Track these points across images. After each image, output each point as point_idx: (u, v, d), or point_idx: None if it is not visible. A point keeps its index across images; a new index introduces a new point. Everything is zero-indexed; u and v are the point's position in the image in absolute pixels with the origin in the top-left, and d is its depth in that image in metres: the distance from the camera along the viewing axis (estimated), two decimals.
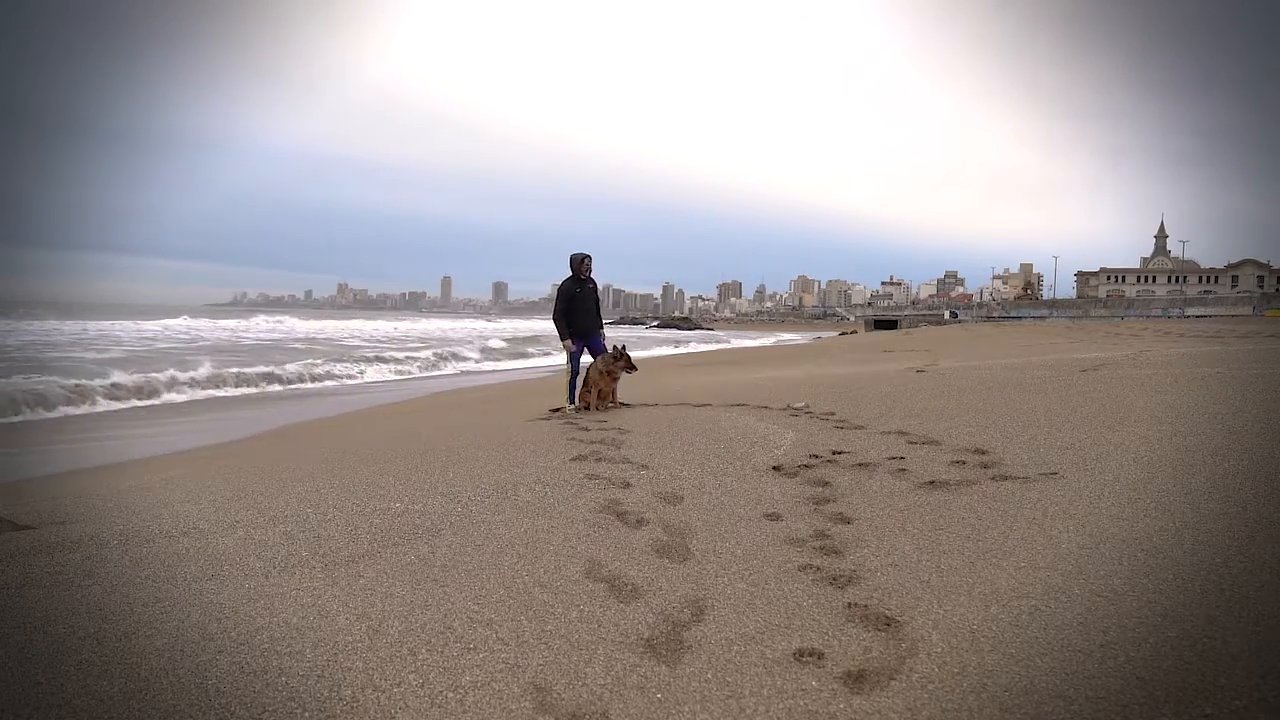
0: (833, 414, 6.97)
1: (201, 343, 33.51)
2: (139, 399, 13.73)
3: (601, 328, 8.46)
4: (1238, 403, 6.30)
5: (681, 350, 34.45)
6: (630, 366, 8.13)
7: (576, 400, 8.10)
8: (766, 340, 49.25)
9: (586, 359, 8.35)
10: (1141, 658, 2.27)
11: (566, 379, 8.32)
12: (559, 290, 8.19)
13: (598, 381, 8.00)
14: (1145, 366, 9.45)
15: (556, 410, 8.11)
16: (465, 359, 25.31)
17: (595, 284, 8.35)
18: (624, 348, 8.18)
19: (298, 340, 38.51)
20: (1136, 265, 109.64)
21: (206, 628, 2.83)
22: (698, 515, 4.00)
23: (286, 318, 76.82)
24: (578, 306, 8.13)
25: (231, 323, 60.03)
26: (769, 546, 3.48)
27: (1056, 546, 3.23)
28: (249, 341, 36.32)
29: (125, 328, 45.43)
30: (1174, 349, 13.69)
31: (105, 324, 48.98)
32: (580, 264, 8.12)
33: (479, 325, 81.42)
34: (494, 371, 22.45)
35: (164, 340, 35.17)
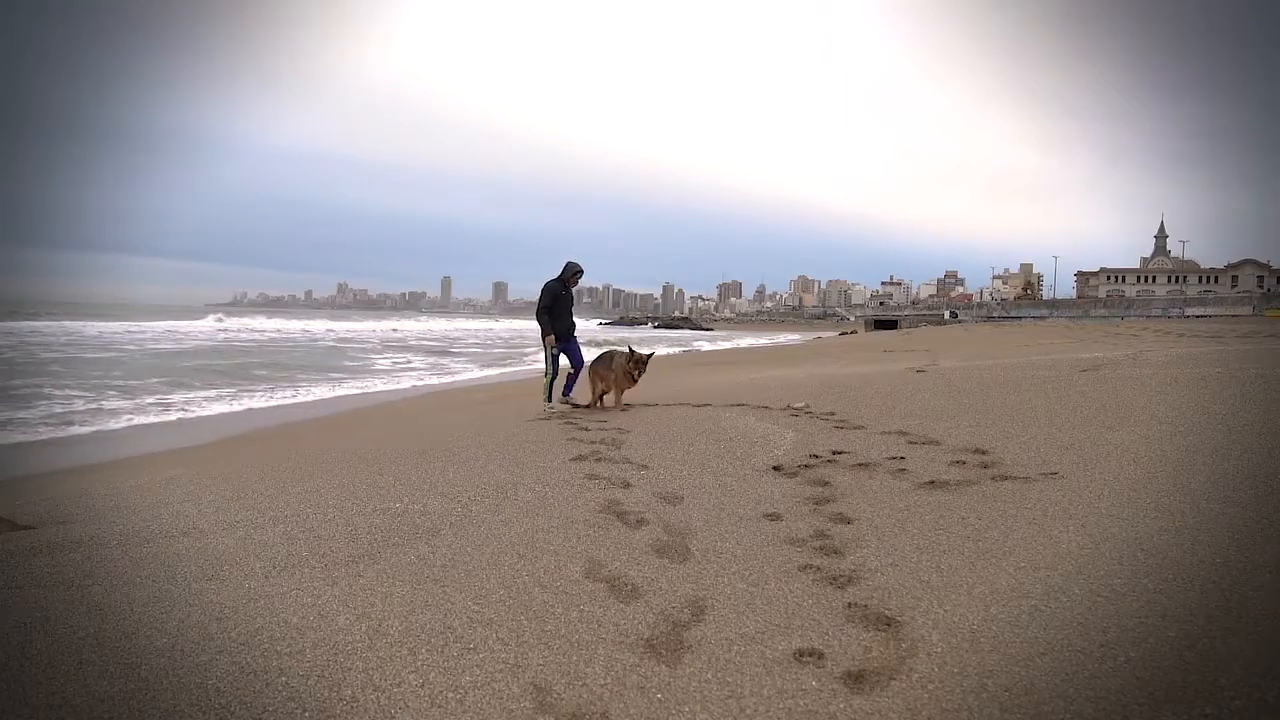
0: (833, 414, 6.98)
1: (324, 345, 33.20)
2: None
3: (571, 331, 8.65)
4: (1238, 403, 6.30)
5: (681, 350, 34.48)
6: (641, 371, 8.04)
7: (582, 396, 8.21)
8: (767, 340, 49.27)
9: (574, 362, 8.49)
10: (1141, 658, 2.27)
11: (545, 379, 8.41)
12: (545, 288, 8.40)
13: (621, 381, 7.93)
14: (1145, 366, 9.45)
15: (569, 403, 8.25)
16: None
17: (572, 293, 8.65)
18: (650, 355, 8.18)
19: (405, 340, 40.47)
20: (1136, 265, 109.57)
21: (206, 628, 2.83)
22: (698, 515, 4.00)
23: (320, 321, 76.58)
24: (560, 307, 8.36)
25: (294, 324, 60.24)
26: (769, 546, 3.48)
27: (1056, 546, 3.23)
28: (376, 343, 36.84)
29: (185, 329, 44.87)
30: (1174, 349, 13.69)
31: (158, 326, 48.23)
32: (573, 275, 8.41)
33: (497, 325, 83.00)
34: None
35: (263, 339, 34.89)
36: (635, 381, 8.01)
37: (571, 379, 8.45)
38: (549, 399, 8.22)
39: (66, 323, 46.02)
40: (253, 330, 48.55)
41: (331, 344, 36.25)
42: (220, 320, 59.36)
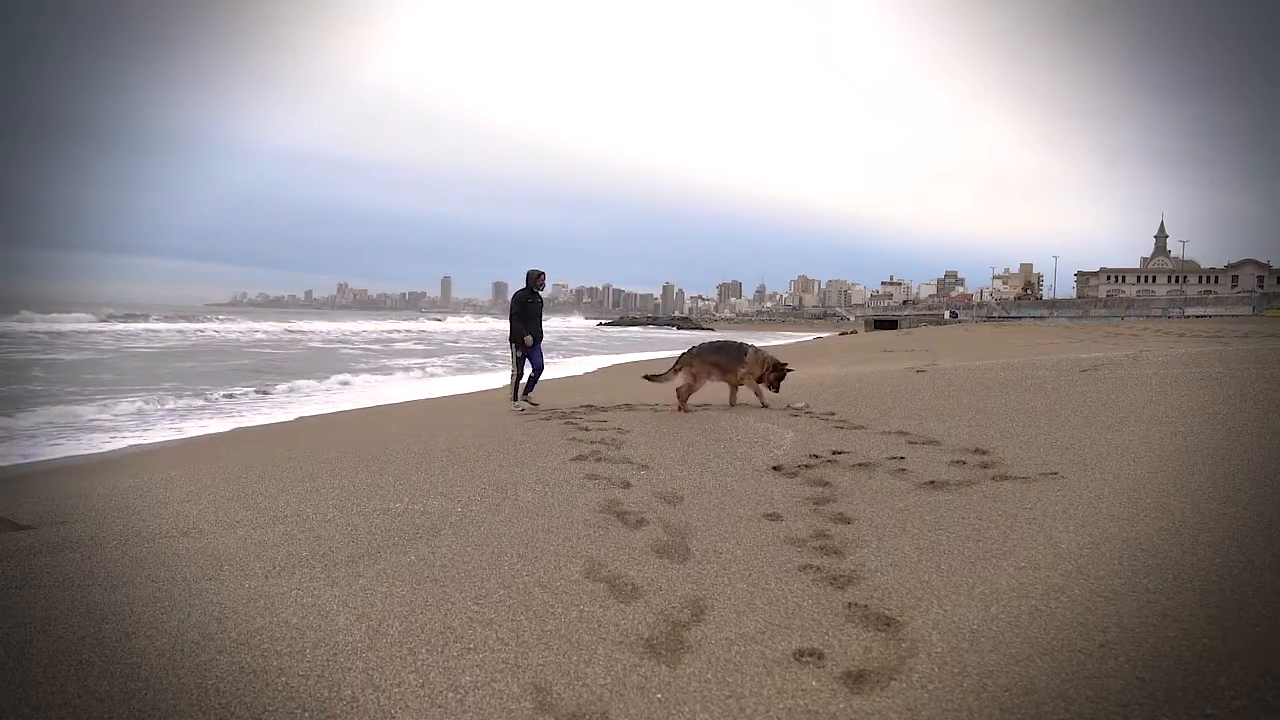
0: (833, 414, 6.98)
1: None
2: None
3: (542, 337, 9.16)
4: (1238, 403, 6.31)
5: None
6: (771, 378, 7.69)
7: (520, 397, 8.78)
8: (766, 341, 49.28)
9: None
10: (1141, 658, 2.27)
11: (512, 380, 9.03)
12: (514, 297, 9.05)
13: (755, 385, 7.66)
14: (1145, 366, 9.45)
15: (528, 402, 8.67)
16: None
17: (541, 298, 9.11)
18: (785, 364, 7.83)
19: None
20: (1136, 265, 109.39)
21: (206, 628, 2.83)
22: (698, 515, 4.00)
23: (350, 323, 76.85)
24: (529, 313, 8.91)
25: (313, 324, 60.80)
26: (769, 546, 3.48)
27: (1056, 546, 3.23)
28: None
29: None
30: (1174, 349, 13.68)
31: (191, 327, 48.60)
32: (535, 279, 8.98)
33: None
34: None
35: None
36: (761, 381, 7.68)
37: (532, 380, 9.02)
38: (514, 399, 8.85)
39: (132, 326, 46.58)
40: (308, 332, 49.38)
41: (341, 344, 36.49)
42: (290, 323, 60.15)
